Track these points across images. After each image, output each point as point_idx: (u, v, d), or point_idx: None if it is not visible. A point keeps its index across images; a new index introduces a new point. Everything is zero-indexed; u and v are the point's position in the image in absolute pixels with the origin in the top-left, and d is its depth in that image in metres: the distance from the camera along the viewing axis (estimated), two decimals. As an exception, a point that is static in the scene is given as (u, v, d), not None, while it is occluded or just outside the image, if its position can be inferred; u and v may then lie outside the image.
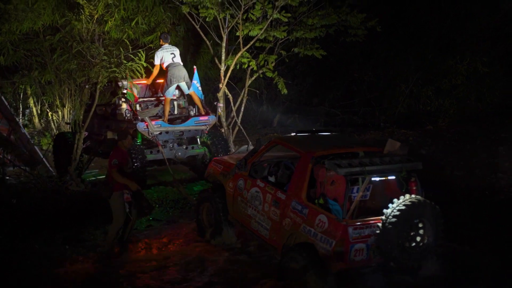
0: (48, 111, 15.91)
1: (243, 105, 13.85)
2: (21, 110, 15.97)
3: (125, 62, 11.89)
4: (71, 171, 11.43)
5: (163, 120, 11.53)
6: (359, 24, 13.36)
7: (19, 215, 9.68)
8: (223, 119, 13.34)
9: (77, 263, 8.47)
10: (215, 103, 13.41)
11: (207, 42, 13.39)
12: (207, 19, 12.73)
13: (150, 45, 13.13)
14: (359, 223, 7.21)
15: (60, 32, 12.21)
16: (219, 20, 12.87)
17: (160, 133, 11.56)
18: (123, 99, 11.50)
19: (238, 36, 12.97)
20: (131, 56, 11.71)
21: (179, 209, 10.92)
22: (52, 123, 15.85)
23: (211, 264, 8.48)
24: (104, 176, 11.61)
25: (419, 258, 7.33)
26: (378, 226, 7.13)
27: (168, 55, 11.58)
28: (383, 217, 7.10)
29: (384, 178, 7.66)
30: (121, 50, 11.66)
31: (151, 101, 12.02)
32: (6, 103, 11.60)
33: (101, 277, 8.18)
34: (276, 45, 13.44)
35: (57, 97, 14.23)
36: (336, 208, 7.57)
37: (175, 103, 12.27)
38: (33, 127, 16.44)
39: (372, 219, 7.29)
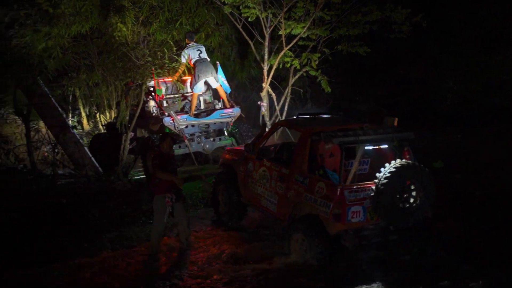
0: (96, 112, 16.28)
1: (286, 104, 13.83)
2: (70, 111, 16.37)
3: (168, 62, 12.10)
4: (118, 170, 11.68)
5: (189, 114, 11.97)
6: (404, 20, 13.10)
7: (68, 215, 9.95)
8: (267, 118, 13.35)
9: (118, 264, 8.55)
10: (258, 102, 13.45)
11: (250, 41, 13.41)
12: (249, 19, 12.76)
13: (193, 46, 13.25)
14: (354, 187, 7.89)
15: (106, 35, 12.48)
16: (261, 20, 12.89)
17: (186, 127, 12.06)
18: (150, 97, 11.92)
19: (281, 35, 12.94)
20: (175, 56, 11.87)
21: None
22: (100, 124, 16.23)
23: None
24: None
25: (413, 218, 7.89)
26: (372, 188, 7.79)
27: (194, 52, 12.01)
28: (376, 180, 7.75)
29: (377, 148, 8.50)
30: (166, 51, 11.83)
31: (178, 97, 12.44)
32: (56, 105, 11.90)
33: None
34: (319, 43, 13.34)
35: (105, 99, 14.54)
36: (334, 177, 8.23)
37: (201, 98, 12.74)
38: (81, 128, 16.85)
39: (367, 183, 7.97)
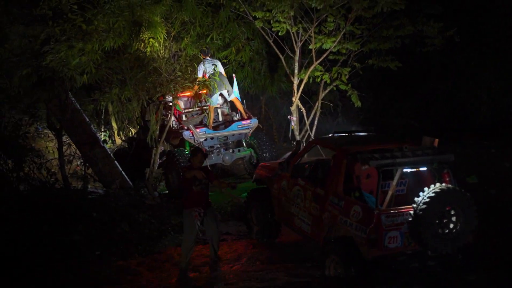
0: (128, 127, 16.46)
1: (316, 118, 13.79)
2: (102, 126, 16.58)
3: (200, 78, 12.20)
4: (148, 185, 11.78)
5: (207, 127, 12.19)
6: (436, 34, 12.97)
7: (98, 227, 10.06)
8: (296, 133, 13.33)
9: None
10: (288, 116, 13.45)
11: (281, 56, 13.45)
12: (279, 33, 12.81)
13: (224, 60, 13.34)
14: (391, 211, 7.71)
15: (138, 50, 12.64)
16: (292, 34, 12.93)
17: (206, 140, 12.22)
18: (169, 111, 12.16)
19: (311, 50, 12.95)
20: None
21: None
22: (121, 139, 16.40)
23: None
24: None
25: (452, 244, 7.67)
26: (410, 213, 7.61)
27: (209, 66, 12.17)
28: (414, 205, 7.55)
29: (415, 170, 8.16)
30: (196, 66, 11.94)
31: (196, 111, 12.65)
32: (87, 120, 12.09)
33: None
34: (350, 57, 13.30)
35: (136, 114, 14.69)
36: (371, 199, 8.21)
37: (219, 110, 12.95)
38: (112, 142, 17.05)
39: (405, 208, 7.79)
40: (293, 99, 13.18)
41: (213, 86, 12.00)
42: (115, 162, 11.94)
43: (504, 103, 16.09)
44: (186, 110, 12.64)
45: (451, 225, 7.67)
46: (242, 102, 12.90)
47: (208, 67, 12.18)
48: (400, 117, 17.36)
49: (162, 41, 12.49)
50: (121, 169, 11.87)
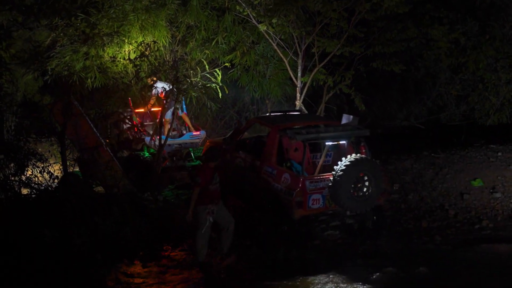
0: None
1: (321, 121, 13.73)
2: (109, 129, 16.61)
3: (202, 81, 12.19)
4: (152, 189, 11.82)
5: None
6: (441, 37, 12.87)
7: (101, 231, 10.06)
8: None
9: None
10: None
11: (284, 59, 13.42)
12: (282, 37, 12.79)
13: (226, 64, 13.34)
14: (315, 178, 9.26)
15: (143, 55, 12.68)
16: (295, 38, 12.90)
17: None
18: (127, 122, 13.44)
19: (315, 53, 12.91)
20: (207, 75, 11.98)
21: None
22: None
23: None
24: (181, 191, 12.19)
25: (365, 205, 9.21)
26: (330, 179, 9.03)
27: (165, 85, 13.01)
28: (334, 172, 8.98)
29: (336, 143, 9.88)
30: (198, 69, 11.95)
31: (150, 124, 13.98)
32: (90, 123, 12.16)
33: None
34: (354, 61, 13.24)
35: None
36: (299, 169, 9.52)
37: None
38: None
39: (326, 174, 9.30)
40: (296, 102, 13.15)
41: (168, 102, 12.79)
42: (118, 165, 11.97)
43: (514, 107, 15.88)
44: (145, 124, 13.87)
45: (364, 189, 9.13)
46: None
47: (164, 85, 13.05)
48: (408, 121, 17.24)
49: (167, 45, 12.53)
50: (123, 172, 11.89)
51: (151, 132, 13.41)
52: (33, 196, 10.57)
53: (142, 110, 13.85)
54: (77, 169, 12.79)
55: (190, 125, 13.86)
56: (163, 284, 8.62)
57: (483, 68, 15.95)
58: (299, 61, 13.07)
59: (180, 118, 13.93)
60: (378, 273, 8.52)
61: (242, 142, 10.85)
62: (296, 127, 9.71)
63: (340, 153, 10.10)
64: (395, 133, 16.84)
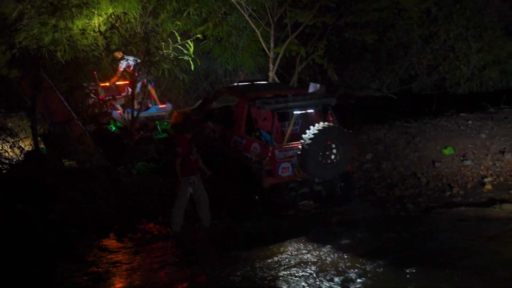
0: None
1: (294, 92, 13.72)
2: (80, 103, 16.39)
3: (174, 53, 12.05)
4: (125, 162, 11.72)
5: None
6: (412, 6, 12.90)
7: (75, 206, 9.98)
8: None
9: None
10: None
11: (257, 30, 13.33)
12: (254, 8, 12.68)
13: (198, 36, 13.19)
14: (284, 147, 9.37)
15: (113, 27, 12.46)
16: (267, 8, 12.80)
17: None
18: (92, 96, 13.32)
19: (287, 24, 12.84)
20: (179, 47, 11.84)
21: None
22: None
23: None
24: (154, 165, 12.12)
25: (333, 172, 9.42)
26: (298, 148, 9.13)
27: (131, 60, 12.91)
28: (302, 141, 9.07)
29: (304, 112, 9.90)
30: (170, 41, 11.79)
31: (117, 98, 13.64)
32: (61, 98, 11.96)
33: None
34: (326, 31, 13.21)
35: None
36: (267, 138, 9.69)
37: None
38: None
39: (294, 143, 9.40)
40: (269, 73, 13.12)
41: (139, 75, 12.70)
42: (91, 139, 11.83)
43: (483, 76, 16.09)
44: (107, 98, 13.62)
45: (332, 156, 9.29)
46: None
47: (131, 61, 12.95)
48: (380, 91, 17.37)
49: (138, 17, 12.33)
50: (96, 146, 11.76)
51: (117, 106, 13.34)
52: (4, 171, 10.42)
53: (107, 84, 13.85)
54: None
55: (157, 98, 13.84)
56: (138, 255, 8.61)
57: (454, 37, 16.14)
58: (272, 32, 13.01)
59: (147, 91, 13.88)
60: (348, 239, 8.68)
61: (210, 113, 10.85)
62: (265, 96, 9.76)
63: (307, 121, 10.19)
64: (367, 103, 16.97)
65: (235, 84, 11.29)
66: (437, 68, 16.80)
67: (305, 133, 9.14)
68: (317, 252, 8.34)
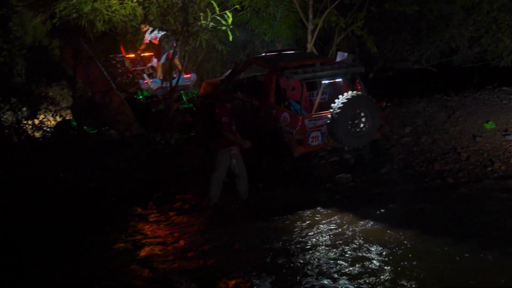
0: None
1: (332, 64, 13.56)
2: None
3: (212, 24, 11.99)
4: (163, 132, 11.84)
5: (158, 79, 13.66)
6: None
7: (115, 177, 10.13)
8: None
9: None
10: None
11: (295, 1, 13.15)
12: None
13: (237, 6, 13.07)
14: (313, 116, 9.48)
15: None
16: (307, -22, 12.61)
17: (157, 89, 13.42)
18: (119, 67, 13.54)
19: (326, -6, 12.64)
20: (217, 18, 11.76)
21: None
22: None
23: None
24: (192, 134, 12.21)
25: (363, 140, 9.55)
26: (328, 117, 9.29)
27: (156, 32, 13.36)
28: (331, 110, 9.22)
29: (332, 81, 9.95)
30: (208, 12, 11.72)
31: (142, 69, 14.10)
32: (101, 68, 12.07)
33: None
34: (365, 1, 12.95)
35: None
36: (297, 108, 9.80)
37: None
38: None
39: (324, 112, 9.53)
40: (308, 45, 12.97)
41: (163, 47, 13.39)
42: (130, 109, 11.95)
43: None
44: (136, 68, 13.97)
45: (361, 125, 9.41)
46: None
47: (154, 33, 13.40)
48: (419, 63, 17.03)
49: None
50: (134, 116, 11.88)
51: (144, 76, 13.72)
52: (46, 139, 10.63)
53: (133, 55, 14.16)
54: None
55: (182, 70, 13.92)
56: (175, 225, 8.72)
57: (497, 8, 15.63)
58: (310, 3, 12.80)
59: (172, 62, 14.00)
60: (381, 210, 8.72)
61: (239, 83, 10.95)
62: (293, 66, 9.85)
63: (336, 90, 10.27)
64: (406, 76, 16.68)
65: (263, 54, 11.38)
66: (479, 40, 16.36)
67: (334, 102, 9.28)
68: (349, 222, 8.36)
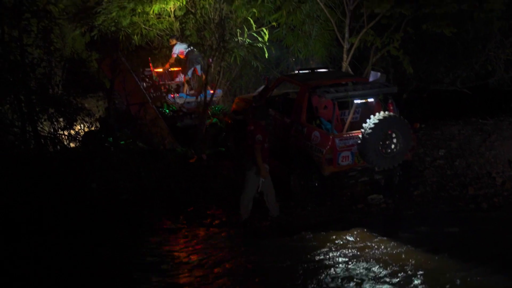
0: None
1: (367, 84, 13.50)
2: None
3: (248, 40, 12.10)
4: (196, 146, 11.91)
5: (185, 93, 13.97)
6: (496, -2, 12.40)
7: (147, 188, 10.21)
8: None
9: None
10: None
11: (331, 19, 13.15)
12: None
13: (273, 23, 13.17)
14: (344, 135, 9.48)
15: (189, 12, 12.63)
16: (344, -3, 12.61)
17: (183, 103, 13.61)
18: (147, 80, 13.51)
19: (363, 14, 12.61)
20: (254, 34, 11.86)
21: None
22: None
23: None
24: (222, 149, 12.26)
25: (393, 161, 9.44)
26: (359, 137, 9.28)
27: (183, 46, 13.60)
28: (363, 130, 9.20)
29: (364, 101, 9.92)
30: (245, 28, 11.84)
31: (170, 83, 14.23)
32: (137, 80, 12.25)
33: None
34: (403, 22, 12.88)
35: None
36: (328, 127, 9.83)
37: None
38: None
39: (355, 132, 9.53)
40: (343, 64, 12.94)
41: (190, 62, 13.68)
42: (164, 122, 12.06)
43: None
44: (163, 83, 14.06)
45: (392, 146, 9.35)
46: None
47: (182, 47, 13.63)
48: (454, 85, 16.82)
49: (212, 3, 12.41)
50: (169, 130, 11.98)
51: (171, 90, 13.90)
52: (80, 150, 10.78)
53: (161, 69, 14.34)
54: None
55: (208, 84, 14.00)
56: (204, 240, 8.76)
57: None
58: (347, 21, 12.77)
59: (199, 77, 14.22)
60: (410, 233, 8.61)
61: (271, 100, 10.95)
62: (325, 85, 9.84)
63: (368, 110, 10.26)
64: (441, 98, 16.50)
65: (296, 71, 11.40)
66: (516, 63, 16.12)
67: (365, 122, 9.25)
68: (379, 243, 8.25)
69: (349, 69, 12.99)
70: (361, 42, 12.88)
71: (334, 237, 8.52)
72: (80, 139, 11.00)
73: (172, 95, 13.63)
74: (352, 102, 9.79)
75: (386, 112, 9.42)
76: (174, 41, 13.82)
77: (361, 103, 10.04)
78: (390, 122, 9.27)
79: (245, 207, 9.12)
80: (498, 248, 8.11)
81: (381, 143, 9.27)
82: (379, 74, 10.34)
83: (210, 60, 12.30)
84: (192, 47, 13.57)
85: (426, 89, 16.57)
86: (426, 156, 11.76)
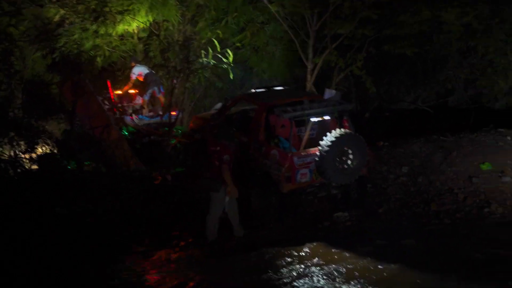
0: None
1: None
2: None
3: (213, 61, 12.13)
4: (160, 167, 11.82)
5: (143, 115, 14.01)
6: (454, 20, 12.75)
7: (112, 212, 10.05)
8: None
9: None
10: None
11: (295, 40, 13.32)
12: (294, 17, 12.68)
13: (238, 44, 13.27)
14: (302, 153, 9.63)
15: (153, 33, 12.63)
16: (307, 18, 12.78)
17: (143, 125, 13.68)
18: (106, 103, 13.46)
19: (326, 35, 12.81)
20: (218, 55, 11.90)
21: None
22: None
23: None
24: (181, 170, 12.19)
25: (350, 177, 9.62)
26: (316, 154, 9.37)
27: (143, 68, 13.66)
28: (320, 147, 9.30)
29: (321, 119, 9.98)
30: (210, 50, 11.87)
31: (128, 105, 14.27)
32: (101, 103, 12.13)
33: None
34: (365, 43, 13.13)
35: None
36: (286, 145, 10.04)
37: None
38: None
39: (312, 150, 9.68)
40: (307, 84, 13.08)
41: (148, 84, 13.65)
42: (127, 144, 11.94)
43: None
44: (122, 105, 14.16)
45: (349, 162, 9.51)
46: None
47: (141, 69, 13.66)
48: (415, 104, 17.17)
49: (176, 24, 12.44)
50: (132, 152, 11.87)
51: (129, 112, 13.98)
52: (42, 173, 10.56)
53: (120, 92, 14.31)
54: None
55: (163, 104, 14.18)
56: (169, 263, 8.63)
57: (492, 51, 15.87)
58: (310, 42, 12.96)
59: (157, 99, 14.35)
60: (369, 246, 8.54)
61: (229, 118, 11.12)
62: (282, 103, 9.99)
63: (324, 126, 10.50)
64: (402, 116, 16.79)
65: (253, 90, 11.58)
66: (474, 83, 16.56)
67: (322, 140, 9.40)
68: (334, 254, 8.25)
69: (314, 89, 13.14)
70: (325, 62, 13.08)
71: (295, 252, 8.49)
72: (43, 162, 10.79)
73: (131, 117, 13.65)
74: (309, 119, 9.93)
75: (342, 129, 9.61)
76: (133, 63, 13.85)
77: (317, 120, 10.21)
78: (346, 138, 9.45)
79: (211, 229, 9.06)
80: (457, 261, 8.20)
81: (338, 159, 9.44)
82: (334, 91, 10.46)
83: (175, 81, 12.28)
84: (150, 70, 13.61)
85: (388, 107, 16.88)
86: (390, 174, 11.89)
